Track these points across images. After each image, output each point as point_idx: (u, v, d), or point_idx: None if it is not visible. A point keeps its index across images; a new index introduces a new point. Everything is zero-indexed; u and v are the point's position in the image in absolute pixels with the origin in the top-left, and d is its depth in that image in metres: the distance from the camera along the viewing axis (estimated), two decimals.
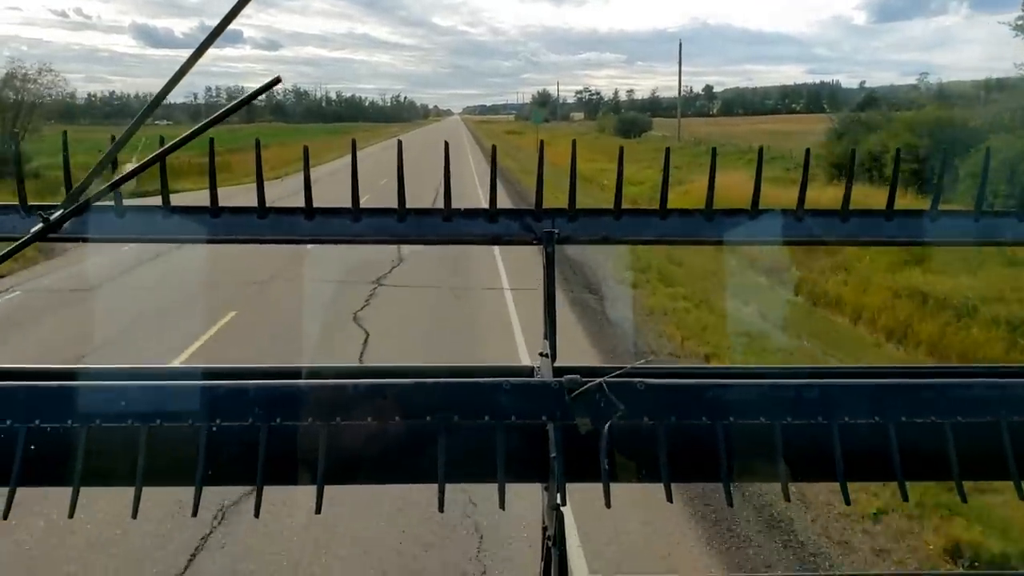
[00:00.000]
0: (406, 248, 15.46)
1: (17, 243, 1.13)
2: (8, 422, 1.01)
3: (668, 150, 1.57)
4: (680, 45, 65.32)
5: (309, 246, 1.54)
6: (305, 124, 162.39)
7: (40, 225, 1.11)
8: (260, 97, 1.18)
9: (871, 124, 32.61)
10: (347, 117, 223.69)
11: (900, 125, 29.33)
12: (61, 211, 1.11)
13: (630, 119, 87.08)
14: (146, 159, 1.13)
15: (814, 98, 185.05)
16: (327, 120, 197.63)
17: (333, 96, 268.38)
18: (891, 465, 1.06)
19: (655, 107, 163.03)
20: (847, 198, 1.49)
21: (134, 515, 1.03)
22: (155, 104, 1.05)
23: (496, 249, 16.31)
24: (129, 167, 1.15)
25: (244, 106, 1.13)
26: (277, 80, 1.07)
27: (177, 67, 1.03)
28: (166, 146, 1.14)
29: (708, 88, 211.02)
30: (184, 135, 1.10)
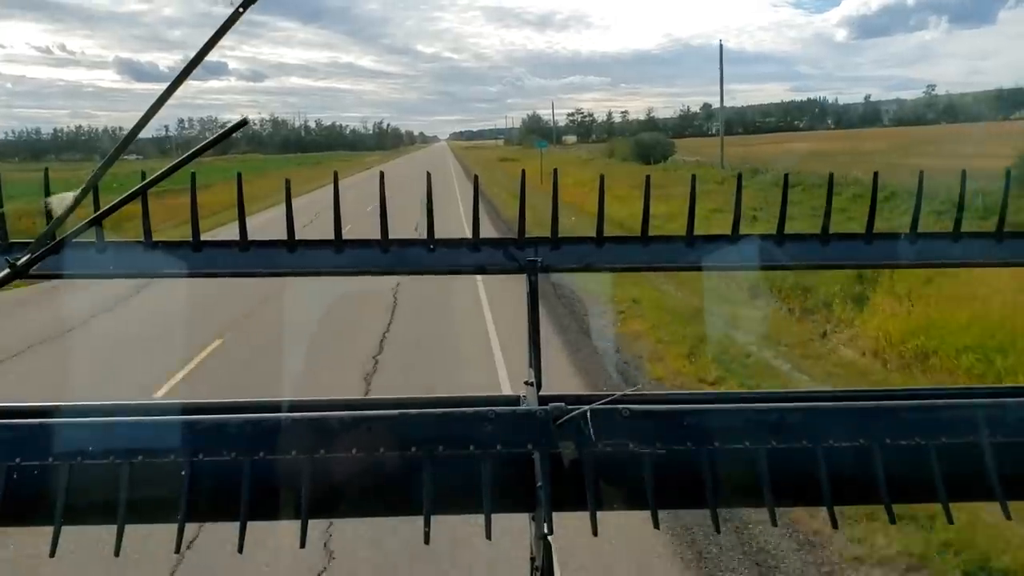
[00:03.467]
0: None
1: None
2: None
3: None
4: (720, 46, 55.20)
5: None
6: (282, 155, 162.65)
7: (6, 271, 1.13)
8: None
9: None
10: (327, 146, 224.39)
11: None
12: (28, 256, 1.13)
13: (649, 142, 74.70)
14: (125, 195, 1.16)
15: (818, 115, 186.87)
16: (306, 150, 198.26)
17: (312, 125, 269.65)
18: (877, 488, 1.11)
19: (651, 127, 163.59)
20: (827, 222, 1.55)
21: (116, 553, 1.05)
22: (129, 139, 1.10)
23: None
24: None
25: (213, 147, 1.17)
26: (244, 121, 1.12)
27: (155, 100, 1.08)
28: (145, 181, 1.18)
29: (706, 106, 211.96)
30: (159, 172, 1.14)
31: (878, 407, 1.17)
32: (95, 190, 1.30)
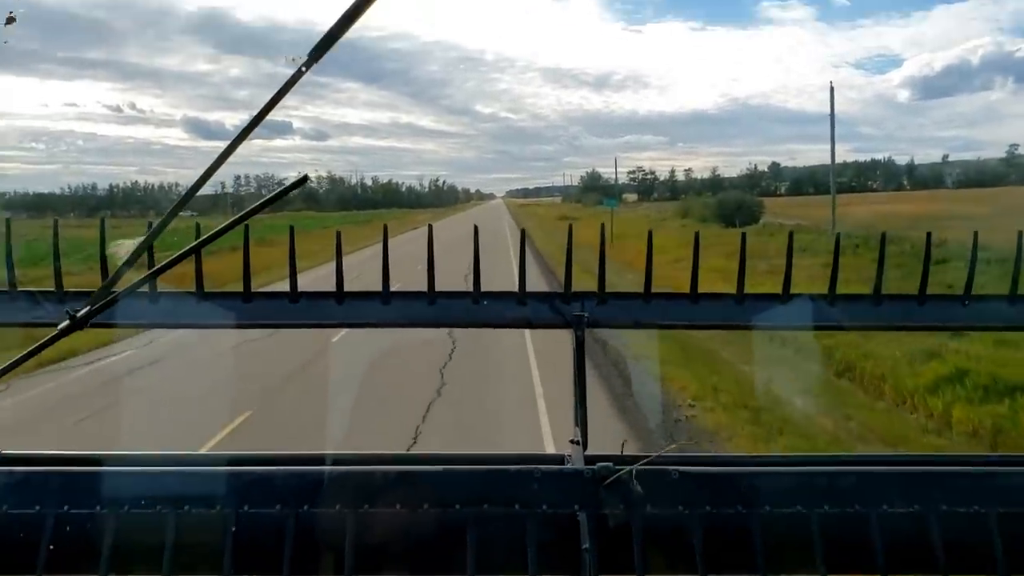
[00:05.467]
0: None
1: (41, 342, 1.21)
2: (37, 508, 1.09)
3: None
4: (832, 91, 48.72)
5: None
6: (337, 212, 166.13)
7: (66, 322, 1.19)
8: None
9: None
10: (383, 204, 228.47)
11: None
12: (88, 308, 1.18)
13: (734, 201, 66.36)
14: (182, 251, 1.22)
15: (891, 175, 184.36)
16: (361, 207, 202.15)
17: (368, 182, 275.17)
18: (934, 556, 1.09)
19: (716, 187, 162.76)
20: (879, 282, 1.55)
21: None
22: (189, 196, 1.16)
23: None
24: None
25: (271, 204, 1.22)
26: (305, 178, 1.16)
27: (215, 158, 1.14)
28: (202, 238, 1.24)
29: (775, 165, 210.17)
30: (218, 228, 1.19)
31: (934, 472, 1.15)
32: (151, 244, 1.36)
